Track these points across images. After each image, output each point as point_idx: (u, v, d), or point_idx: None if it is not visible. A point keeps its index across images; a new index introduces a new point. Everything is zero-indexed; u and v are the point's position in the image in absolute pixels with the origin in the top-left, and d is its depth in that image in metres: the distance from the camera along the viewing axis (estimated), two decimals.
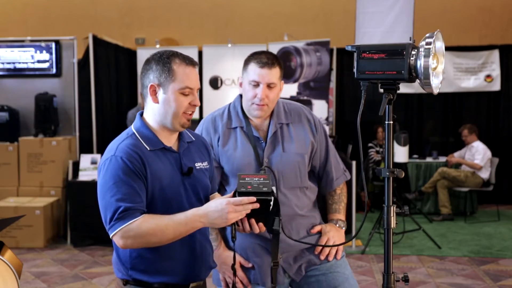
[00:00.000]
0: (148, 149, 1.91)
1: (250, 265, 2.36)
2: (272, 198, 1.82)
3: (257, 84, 2.29)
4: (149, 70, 1.95)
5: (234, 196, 1.82)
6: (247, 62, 2.36)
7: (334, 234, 2.42)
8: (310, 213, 2.45)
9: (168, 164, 1.93)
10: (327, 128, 6.99)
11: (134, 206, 1.81)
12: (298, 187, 2.38)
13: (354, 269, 5.18)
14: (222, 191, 2.41)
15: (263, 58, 2.30)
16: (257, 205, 1.79)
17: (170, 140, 1.98)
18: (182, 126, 1.94)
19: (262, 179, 1.84)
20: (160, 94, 1.92)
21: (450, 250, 5.87)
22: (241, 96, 2.43)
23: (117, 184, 1.82)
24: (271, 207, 1.84)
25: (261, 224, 1.87)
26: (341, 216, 2.50)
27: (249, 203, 1.78)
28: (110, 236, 1.83)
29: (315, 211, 2.49)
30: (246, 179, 1.82)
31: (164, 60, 1.91)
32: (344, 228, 2.49)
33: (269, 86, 2.29)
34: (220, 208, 1.78)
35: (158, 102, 1.93)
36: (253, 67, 2.31)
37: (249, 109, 2.35)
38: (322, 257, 2.39)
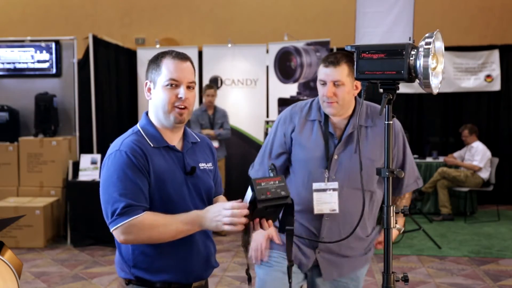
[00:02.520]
0: (152, 145, 1.92)
1: (280, 242, 2.45)
2: (290, 200, 1.83)
3: (324, 83, 2.39)
4: (146, 70, 2.00)
5: (254, 203, 1.78)
6: (319, 64, 2.47)
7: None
8: (365, 221, 2.49)
9: (172, 163, 1.94)
10: None
11: (136, 203, 1.82)
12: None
13: None
14: (286, 175, 2.52)
15: (330, 58, 2.39)
16: (246, 205, 1.79)
17: (173, 139, 1.99)
18: (174, 121, 1.93)
19: (277, 182, 1.83)
20: (152, 90, 1.96)
21: (450, 250, 5.87)
22: None
23: (121, 179, 1.83)
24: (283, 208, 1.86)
25: (270, 221, 1.87)
26: (401, 219, 2.57)
27: (244, 215, 1.78)
28: (111, 230, 1.83)
29: (371, 223, 2.54)
30: (262, 184, 1.80)
31: (156, 58, 1.96)
32: (400, 231, 2.56)
33: (335, 84, 2.36)
34: (217, 215, 1.78)
35: (151, 99, 1.97)
36: (320, 67, 2.42)
37: (323, 107, 2.44)
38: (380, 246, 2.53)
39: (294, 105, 2.58)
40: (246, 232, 1.86)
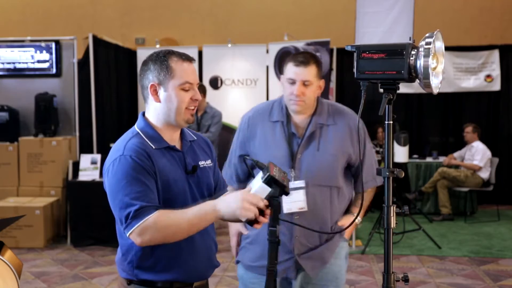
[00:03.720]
0: (153, 147, 1.92)
1: (246, 232, 2.56)
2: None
3: (293, 82, 2.43)
4: (147, 71, 1.97)
5: (282, 194, 1.85)
6: (286, 62, 2.51)
7: (347, 222, 2.56)
8: (336, 215, 2.51)
9: (174, 163, 1.94)
10: None
11: (148, 203, 1.81)
12: (329, 186, 2.46)
13: (354, 269, 5.19)
14: (249, 178, 2.55)
15: (300, 57, 2.45)
16: (266, 203, 1.82)
17: (173, 139, 1.99)
18: (186, 122, 1.95)
19: (276, 167, 1.87)
20: (161, 92, 1.94)
21: (450, 250, 5.87)
22: None
23: (130, 182, 1.82)
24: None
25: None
26: (361, 212, 2.61)
27: (261, 203, 1.79)
28: (127, 235, 1.82)
29: (339, 217, 2.55)
30: (276, 175, 1.83)
31: (161, 59, 1.94)
32: (359, 223, 2.61)
33: (304, 83, 2.42)
34: (235, 202, 1.77)
35: (160, 101, 1.94)
36: (289, 66, 2.46)
37: (288, 105, 2.48)
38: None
39: (256, 107, 2.63)
40: (274, 220, 1.86)
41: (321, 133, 2.48)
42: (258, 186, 1.83)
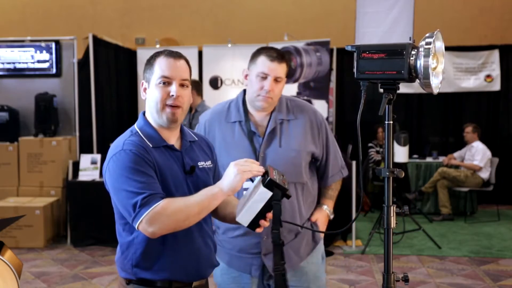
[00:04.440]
0: (151, 146, 1.91)
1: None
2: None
3: (265, 77, 2.36)
4: (143, 71, 2.01)
5: (284, 196, 1.86)
6: (256, 55, 2.41)
7: (320, 216, 2.54)
8: (303, 211, 2.49)
9: (172, 162, 1.94)
10: None
11: (154, 191, 1.80)
12: (294, 183, 2.42)
13: (354, 269, 5.19)
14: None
15: (273, 53, 2.38)
16: (258, 163, 1.85)
17: (171, 138, 1.98)
18: (167, 119, 1.92)
19: (274, 170, 1.88)
20: (147, 90, 1.97)
21: (450, 250, 5.87)
22: (244, 91, 2.49)
23: (133, 174, 1.81)
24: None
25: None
26: (331, 203, 2.61)
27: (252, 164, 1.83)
28: (136, 226, 1.80)
29: (307, 214, 2.53)
30: (276, 178, 1.83)
31: (151, 58, 1.97)
32: (330, 215, 2.59)
33: (276, 79, 2.36)
34: (231, 172, 1.81)
35: (146, 99, 1.97)
36: (263, 60, 2.37)
37: (254, 101, 2.40)
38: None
39: (213, 109, 2.56)
40: (277, 223, 1.88)
41: (282, 129, 2.43)
42: (258, 190, 1.82)
